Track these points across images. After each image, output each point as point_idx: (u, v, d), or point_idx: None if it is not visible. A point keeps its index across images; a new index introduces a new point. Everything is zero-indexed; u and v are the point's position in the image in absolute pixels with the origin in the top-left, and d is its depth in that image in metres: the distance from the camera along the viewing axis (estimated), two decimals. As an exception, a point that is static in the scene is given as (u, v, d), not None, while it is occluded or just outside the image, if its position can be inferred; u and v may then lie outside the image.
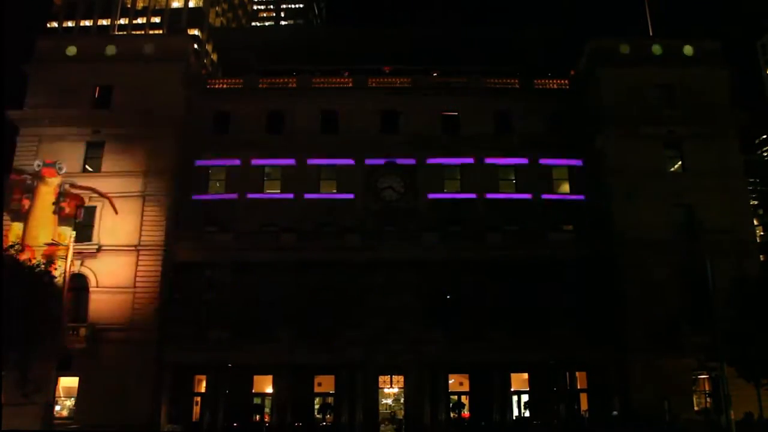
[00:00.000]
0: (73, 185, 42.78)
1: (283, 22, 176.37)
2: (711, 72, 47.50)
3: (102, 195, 43.37)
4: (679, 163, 46.27)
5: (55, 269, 36.94)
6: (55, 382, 36.68)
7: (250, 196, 48.30)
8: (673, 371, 40.41)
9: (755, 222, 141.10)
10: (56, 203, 41.41)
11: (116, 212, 43.20)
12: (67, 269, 36.92)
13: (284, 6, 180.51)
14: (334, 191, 49.18)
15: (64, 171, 42.42)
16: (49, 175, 41.95)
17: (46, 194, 41.64)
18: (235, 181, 48.91)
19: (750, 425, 35.74)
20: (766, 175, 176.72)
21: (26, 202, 41.64)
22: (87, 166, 45.37)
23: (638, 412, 39.83)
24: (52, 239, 40.05)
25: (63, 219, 41.36)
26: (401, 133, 49.88)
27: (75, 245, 38.67)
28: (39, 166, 41.98)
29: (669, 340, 40.77)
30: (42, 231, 40.83)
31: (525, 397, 44.12)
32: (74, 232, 39.77)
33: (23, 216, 41.40)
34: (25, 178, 42.10)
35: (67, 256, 37.45)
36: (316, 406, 43.57)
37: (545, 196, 48.57)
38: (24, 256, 38.65)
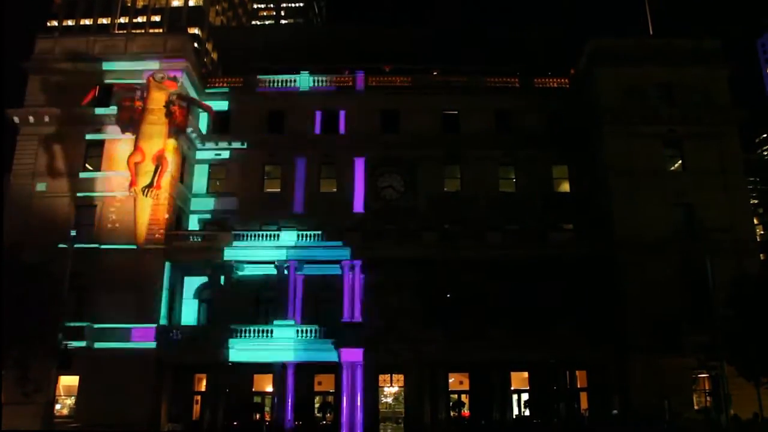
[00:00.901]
0: (180, 96, 43.81)
1: (283, 21, 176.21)
2: (711, 71, 47.41)
3: (202, 106, 45.49)
4: (679, 162, 46.23)
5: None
6: (56, 381, 36.66)
7: (249, 194, 48.39)
8: (674, 370, 40.37)
9: (755, 221, 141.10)
10: (167, 106, 42.35)
11: (212, 113, 45.73)
12: (68, 268, 36.91)
13: (284, 5, 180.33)
14: (334, 190, 49.21)
15: (178, 81, 43.94)
16: (162, 81, 42.90)
17: (159, 99, 42.52)
18: (235, 180, 48.99)
19: (756, 426, 35.65)
20: (766, 174, 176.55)
21: (139, 104, 42.64)
22: (87, 165, 45.36)
23: (638, 411, 39.83)
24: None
25: (173, 128, 42.71)
26: (401, 132, 49.93)
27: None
28: (163, 77, 43.21)
29: (669, 339, 40.72)
30: (156, 139, 42.34)
31: (525, 396, 44.20)
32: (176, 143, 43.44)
33: (135, 123, 42.56)
34: (134, 85, 43.41)
35: (67, 260, 37.43)
36: (316, 405, 43.60)
37: (545, 196, 48.71)
38: (135, 159, 41.65)
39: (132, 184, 42.02)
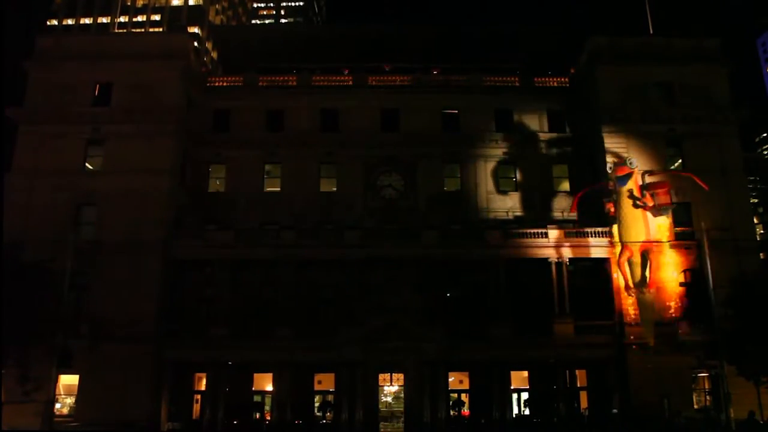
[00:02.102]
0: (651, 173, 43.14)
1: (282, 20, 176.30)
2: (711, 70, 47.43)
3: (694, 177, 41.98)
4: (680, 161, 46.22)
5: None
6: (56, 380, 36.69)
7: (250, 193, 48.41)
8: (673, 369, 40.36)
9: (755, 220, 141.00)
10: (636, 198, 41.61)
11: (706, 188, 41.64)
12: (68, 267, 36.95)
13: (284, 4, 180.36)
14: (334, 189, 49.22)
15: (635, 166, 42.41)
16: (622, 172, 42.16)
17: (626, 192, 41.90)
18: (235, 179, 49.01)
19: (753, 425, 35.65)
20: (766, 174, 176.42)
21: (610, 206, 42.59)
22: (87, 164, 45.39)
23: (638, 411, 39.86)
24: (649, 237, 40.99)
25: (655, 210, 41.41)
26: (401, 131, 49.92)
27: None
28: (611, 168, 42.64)
29: (669, 338, 40.75)
30: (633, 229, 41.35)
31: (525, 395, 44.16)
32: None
33: (615, 219, 42.22)
34: (605, 184, 43.07)
35: (67, 259, 37.43)
36: (316, 404, 43.57)
37: (545, 194, 48.70)
38: (624, 257, 40.93)
39: (626, 285, 41.29)
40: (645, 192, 41.77)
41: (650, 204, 41.41)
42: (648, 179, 42.81)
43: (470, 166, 49.39)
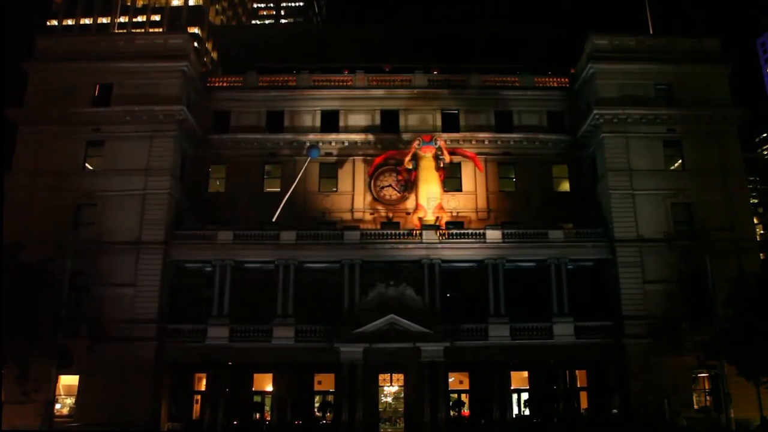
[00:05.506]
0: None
1: (282, 21, 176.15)
2: (711, 70, 47.44)
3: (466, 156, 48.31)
4: (679, 161, 46.21)
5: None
6: (56, 380, 36.71)
7: (250, 193, 48.40)
8: (673, 370, 40.39)
9: (755, 220, 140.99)
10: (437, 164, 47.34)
11: (480, 169, 48.65)
12: (67, 267, 36.97)
13: (284, 4, 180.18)
14: (335, 189, 49.22)
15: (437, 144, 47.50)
16: (428, 151, 47.14)
17: (428, 158, 47.20)
18: (235, 179, 49.00)
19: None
20: (766, 174, 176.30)
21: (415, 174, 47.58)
22: (87, 164, 45.37)
23: (638, 411, 39.85)
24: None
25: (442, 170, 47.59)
26: (401, 131, 49.86)
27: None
28: (419, 145, 47.18)
29: (669, 339, 40.76)
30: (431, 186, 46.88)
31: (525, 396, 44.21)
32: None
33: (412, 184, 47.81)
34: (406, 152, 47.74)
35: (67, 259, 37.48)
36: (316, 405, 43.61)
37: (545, 195, 48.69)
38: (418, 215, 46.41)
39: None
40: (441, 155, 46.96)
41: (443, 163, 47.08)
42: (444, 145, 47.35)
43: (470, 165, 49.33)
